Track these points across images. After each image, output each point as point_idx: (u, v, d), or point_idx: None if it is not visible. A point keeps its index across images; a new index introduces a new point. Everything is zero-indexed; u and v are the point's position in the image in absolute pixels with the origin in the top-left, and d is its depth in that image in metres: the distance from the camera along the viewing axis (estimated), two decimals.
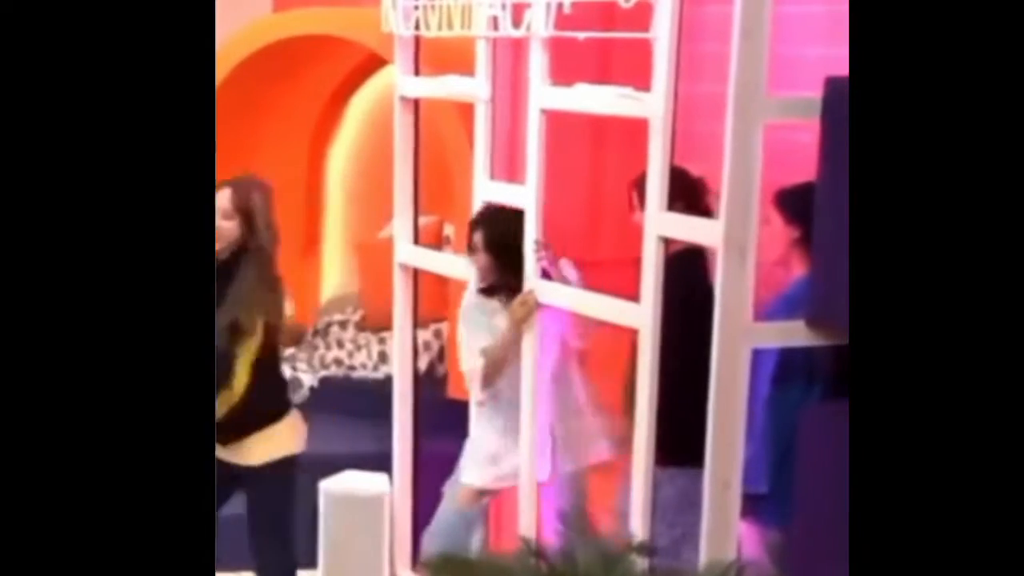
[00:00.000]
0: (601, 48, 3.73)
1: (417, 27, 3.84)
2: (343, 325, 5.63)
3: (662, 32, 3.10)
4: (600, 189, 4.22)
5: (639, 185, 3.40)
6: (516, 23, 3.47)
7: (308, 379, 5.32)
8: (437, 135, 4.65)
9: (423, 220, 5.27)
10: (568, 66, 3.56)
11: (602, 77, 3.53)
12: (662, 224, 3.18)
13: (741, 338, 3.04)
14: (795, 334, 3.10)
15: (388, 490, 4.22)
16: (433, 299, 4.89)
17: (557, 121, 3.60)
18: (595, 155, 4.16)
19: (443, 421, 4.25)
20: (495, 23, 3.53)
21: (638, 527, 3.30)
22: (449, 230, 5.39)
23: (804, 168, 3.09)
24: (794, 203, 3.34)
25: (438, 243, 5.33)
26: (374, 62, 5.35)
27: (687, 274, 3.42)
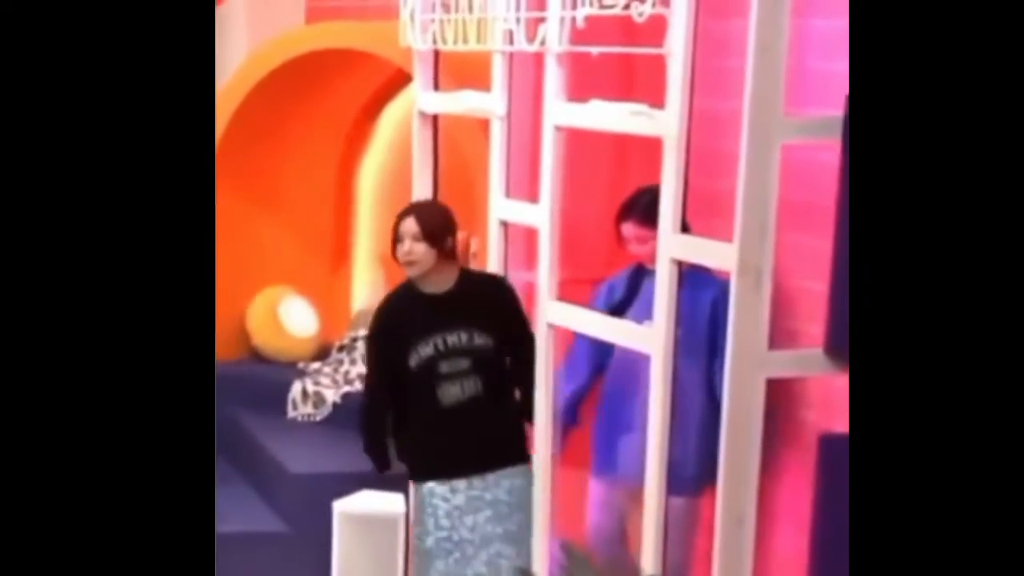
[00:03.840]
0: (625, 64, 3.64)
1: (435, 41, 3.78)
2: None
3: (676, 47, 3.00)
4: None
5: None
6: (531, 38, 3.39)
7: (331, 395, 5.27)
8: (465, 150, 4.58)
9: None
10: (591, 82, 3.47)
11: (625, 93, 3.43)
12: (675, 246, 3.07)
13: (755, 368, 2.93)
14: (812, 363, 2.98)
15: (404, 511, 4.15)
16: None
17: (580, 138, 3.51)
18: (618, 173, 4.06)
19: None
20: (510, 37, 3.45)
21: (649, 555, 3.20)
22: (476, 246, 5.31)
23: (826, 189, 2.97)
24: (650, 212, 3.33)
25: (464, 258, 5.25)
26: (404, 77, 5.29)
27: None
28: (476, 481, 3.54)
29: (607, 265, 3.96)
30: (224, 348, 5.53)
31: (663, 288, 3.10)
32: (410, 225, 3.52)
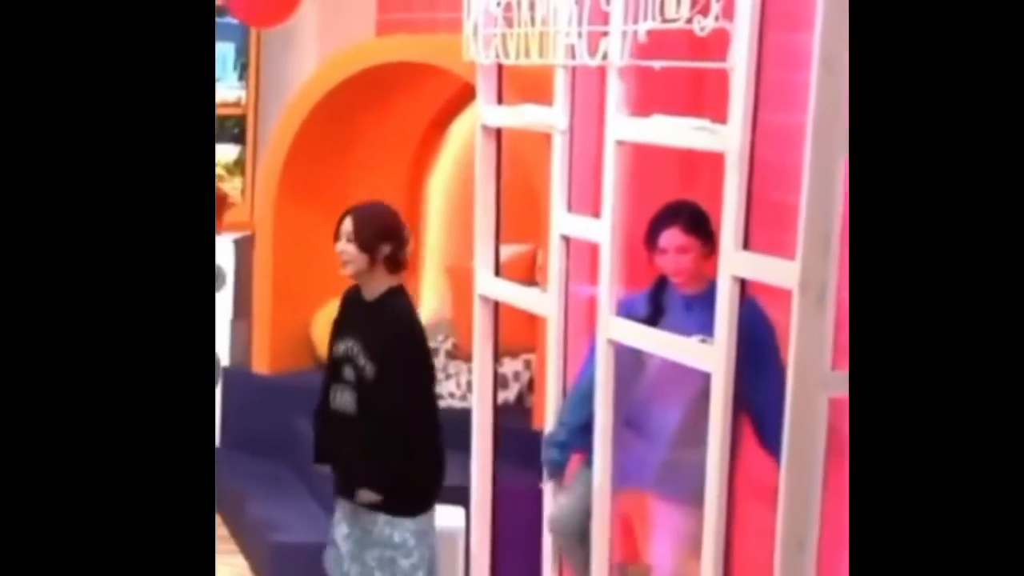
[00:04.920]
0: (694, 79, 3.59)
1: (497, 55, 3.77)
2: (434, 352, 5.56)
3: (739, 61, 2.95)
4: None
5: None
6: (593, 52, 3.36)
7: None
8: (531, 164, 4.56)
9: (517, 248, 5.20)
10: (659, 97, 3.43)
11: (694, 109, 3.39)
12: (736, 264, 3.02)
13: (818, 387, 2.87)
14: None
15: (463, 525, 4.14)
16: (524, 328, 4.80)
17: (648, 154, 3.48)
18: (685, 189, 4.01)
19: (528, 453, 4.14)
20: (572, 51, 3.43)
21: (709, 573, 3.14)
22: (542, 259, 5.29)
23: None
24: (696, 222, 3.44)
25: (531, 272, 5.23)
26: (473, 90, 5.29)
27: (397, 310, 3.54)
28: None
29: None
30: (290, 358, 5.59)
31: (724, 305, 3.05)
32: (347, 225, 3.54)
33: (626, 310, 3.53)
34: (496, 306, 4.13)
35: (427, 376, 3.58)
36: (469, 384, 5.31)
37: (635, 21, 3.20)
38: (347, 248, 3.50)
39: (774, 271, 2.94)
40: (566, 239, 3.68)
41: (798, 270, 2.83)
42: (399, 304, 3.58)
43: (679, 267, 3.46)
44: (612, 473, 3.53)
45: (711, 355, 3.09)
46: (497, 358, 4.31)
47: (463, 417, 4.85)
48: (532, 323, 4.79)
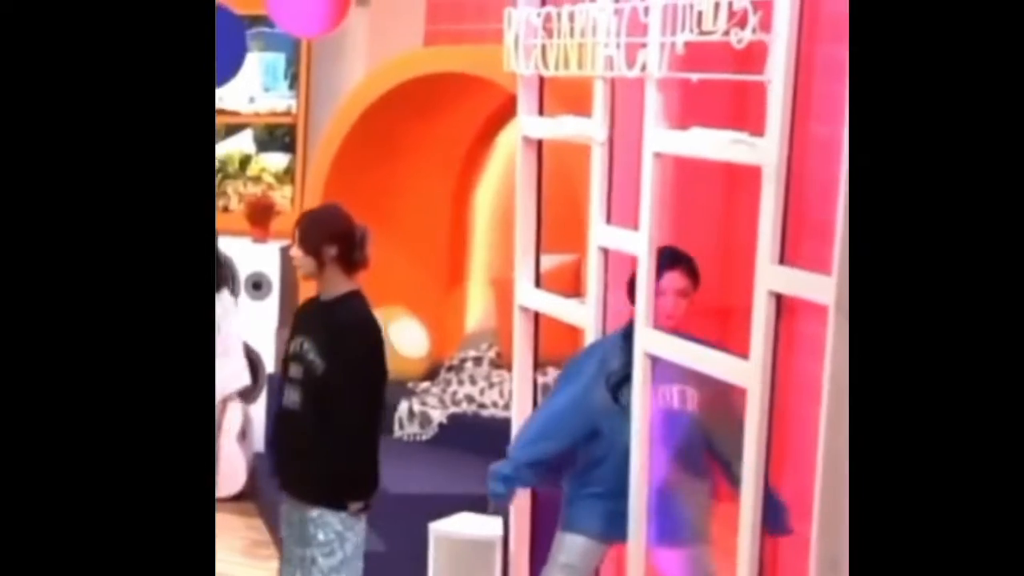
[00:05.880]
0: (738, 91, 3.56)
1: (537, 66, 3.77)
2: (478, 361, 5.60)
3: (777, 74, 2.92)
4: (731, 236, 4.04)
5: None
6: (632, 63, 3.35)
7: (437, 415, 5.29)
8: (575, 175, 4.56)
9: (563, 258, 5.19)
10: (701, 109, 3.41)
11: (738, 121, 3.36)
12: (773, 278, 2.99)
13: None
14: None
15: (500, 534, 4.15)
16: (568, 338, 4.79)
17: (690, 166, 3.46)
18: (728, 202, 3.98)
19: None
20: (611, 63, 3.42)
21: None
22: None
23: None
24: (695, 273, 3.46)
25: (577, 282, 5.22)
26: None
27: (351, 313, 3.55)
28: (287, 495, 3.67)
29: (713, 294, 3.88)
30: None
31: (759, 320, 3.02)
32: (297, 230, 3.60)
33: (598, 362, 3.51)
34: (537, 316, 4.12)
35: (375, 377, 3.60)
36: (512, 393, 5.32)
37: (673, 33, 3.19)
38: (296, 253, 3.59)
39: (810, 286, 2.91)
40: (604, 251, 3.67)
41: (834, 285, 2.79)
42: (354, 305, 3.62)
43: (676, 311, 3.44)
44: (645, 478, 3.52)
45: (747, 370, 3.07)
46: (540, 367, 4.32)
47: (506, 426, 4.86)
48: (577, 333, 4.78)
